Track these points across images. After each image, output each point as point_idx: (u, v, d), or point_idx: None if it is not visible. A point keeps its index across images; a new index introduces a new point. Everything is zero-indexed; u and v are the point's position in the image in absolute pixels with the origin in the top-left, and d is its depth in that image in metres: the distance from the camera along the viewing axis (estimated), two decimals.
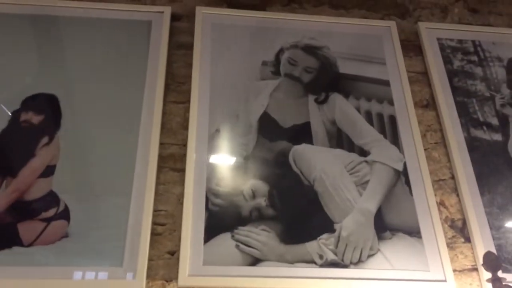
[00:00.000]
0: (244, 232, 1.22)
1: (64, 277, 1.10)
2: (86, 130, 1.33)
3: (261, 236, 1.22)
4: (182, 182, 1.32)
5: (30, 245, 1.14)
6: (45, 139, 1.29)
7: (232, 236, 1.21)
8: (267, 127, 1.41)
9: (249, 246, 1.20)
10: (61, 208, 1.19)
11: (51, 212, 1.19)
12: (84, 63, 1.45)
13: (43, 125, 1.31)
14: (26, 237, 1.14)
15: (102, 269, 1.12)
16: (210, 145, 1.35)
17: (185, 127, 1.41)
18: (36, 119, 1.32)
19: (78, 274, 1.10)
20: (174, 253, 1.21)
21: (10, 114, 1.31)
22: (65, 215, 1.18)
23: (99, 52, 1.48)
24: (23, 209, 1.18)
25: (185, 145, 1.38)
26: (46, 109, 1.34)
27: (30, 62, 1.43)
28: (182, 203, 1.28)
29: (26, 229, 1.15)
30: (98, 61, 1.46)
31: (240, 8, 1.68)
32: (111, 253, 1.14)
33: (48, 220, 1.17)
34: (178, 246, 1.22)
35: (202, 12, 1.61)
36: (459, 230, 1.33)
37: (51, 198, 1.20)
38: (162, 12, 1.60)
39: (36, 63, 1.43)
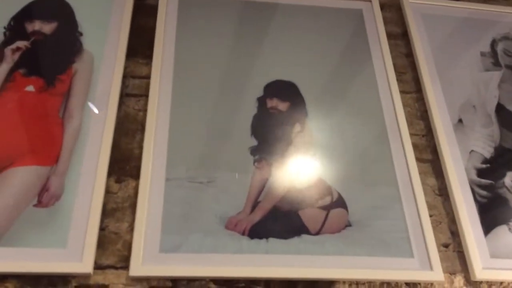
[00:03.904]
0: None
1: (356, 266, 1.06)
2: (330, 118, 1.30)
3: None
4: (431, 172, 1.28)
5: (317, 233, 1.10)
6: (297, 127, 1.25)
7: (509, 229, 1.17)
8: (506, 119, 1.37)
9: None
10: (335, 196, 1.16)
11: (327, 200, 1.15)
12: (308, 50, 1.42)
13: (291, 112, 1.28)
14: (311, 225, 1.11)
15: (394, 260, 1.08)
16: (457, 136, 1.31)
17: (419, 117, 1.38)
18: (282, 106, 1.29)
19: (371, 264, 1.07)
20: (447, 246, 1.17)
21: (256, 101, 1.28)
22: (341, 203, 1.15)
23: (320, 39, 1.45)
24: (298, 196, 1.15)
25: (424, 135, 1.35)
26: (290, 96, 1.31)
27: (262, 49, 1.40)
28: (438, 195, 1.24)
29: (309, 217, 1.12)
30: (321, 48, 1.43)
31: None
32: (397, 244, 1.10)
33: (327, 208, 1.14)
34: (450, 238, 1.18)
35: (409, 2, 1.58)
36: None
37: (322, 186, 1.17)
38: (370, 1, 1.57)
39: (267, 50, 1.40)
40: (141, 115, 1.25)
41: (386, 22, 1.57)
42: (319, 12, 1.51)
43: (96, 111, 1.19)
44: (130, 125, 1.24)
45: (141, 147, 1.19)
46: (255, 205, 1.12)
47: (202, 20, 1.43)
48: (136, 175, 1.15)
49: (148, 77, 1.32)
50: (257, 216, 1.10)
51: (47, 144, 1.12)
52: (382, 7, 1.60)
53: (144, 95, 1.29)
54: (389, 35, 1.54)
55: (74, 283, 0.98)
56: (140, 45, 1.38)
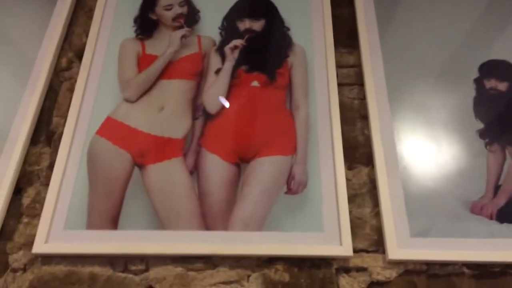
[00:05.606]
0: None
1: None
2: None
3: None
4: None
5: None
6: None
7: None
8: None
9: None
10: None
11: None
12: None
13: (510, 91, 1.24)
14: None
15: None
16: None
17: None
18: (501, 85, 1.24)
19: None
20: None
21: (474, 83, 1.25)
22: None
23: None
24: None
25: None
26: (508, 75, 1.26)
27: (466, 29, 1.36)
28: None
29: None
30: None
31: None
32: None
33: None
34: None
35: None
36: None
37: None
38: None
39: (471, 30, 1.36)
40: (357, 103, 1.28)
41: None
42: None
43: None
44: (348, 113, 1.26)
45: (363, 135, 1.22)
46: (496, 188, 1.10)
47: (399, 7, 1.42)
48: (366, 162, 1.18)
49: (354, 66, 1.34)
50: (502, 200, 1.08)
51: (283, 135, 1.19)
52: None
53: (355, 83, 1.31)
54: None
55: (335, 265, 1.04)
56: (339, 35, 1.40)
